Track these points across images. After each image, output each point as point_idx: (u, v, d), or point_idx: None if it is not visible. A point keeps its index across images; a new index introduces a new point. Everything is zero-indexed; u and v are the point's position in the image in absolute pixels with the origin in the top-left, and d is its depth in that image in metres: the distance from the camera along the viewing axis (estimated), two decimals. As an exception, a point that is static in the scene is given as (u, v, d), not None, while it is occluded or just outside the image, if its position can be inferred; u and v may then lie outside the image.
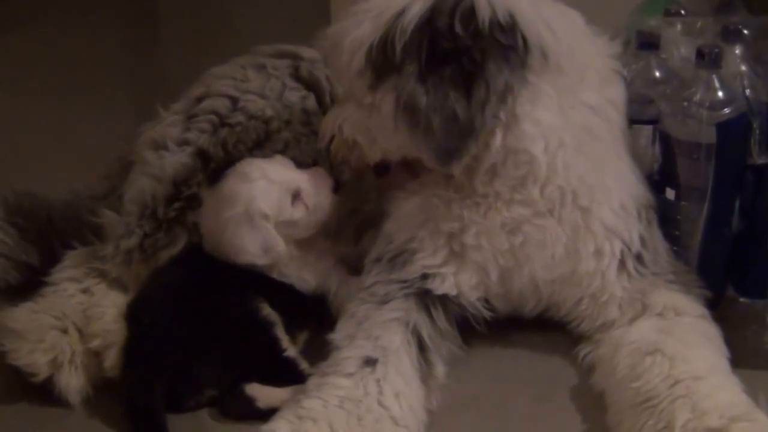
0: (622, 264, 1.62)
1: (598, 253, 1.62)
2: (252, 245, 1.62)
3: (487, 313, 1.68)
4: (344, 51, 1.57)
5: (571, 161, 1.59)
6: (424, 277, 1.64)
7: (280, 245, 1.63)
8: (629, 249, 1.62)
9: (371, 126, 1.60)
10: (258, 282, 1.65)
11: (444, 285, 1.64)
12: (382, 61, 1.52)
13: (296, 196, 1.67)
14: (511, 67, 1.50)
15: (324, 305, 1.71)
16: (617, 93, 1.67)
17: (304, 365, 1.59)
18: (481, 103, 1.49)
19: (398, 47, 1.50)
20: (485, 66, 1.48)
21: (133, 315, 1.60)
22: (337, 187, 1.71)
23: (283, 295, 1.66)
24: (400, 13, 1.51)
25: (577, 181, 1.60)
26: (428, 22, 1.50)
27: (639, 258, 1.63)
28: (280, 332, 1.60)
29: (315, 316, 1.70)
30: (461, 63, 1.48)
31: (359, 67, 1.55)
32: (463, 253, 1.64)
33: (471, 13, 1.49)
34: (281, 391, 1.55)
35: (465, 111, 1.48)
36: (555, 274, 1.64)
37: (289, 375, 1.57)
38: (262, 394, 1.55)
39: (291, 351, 1.60)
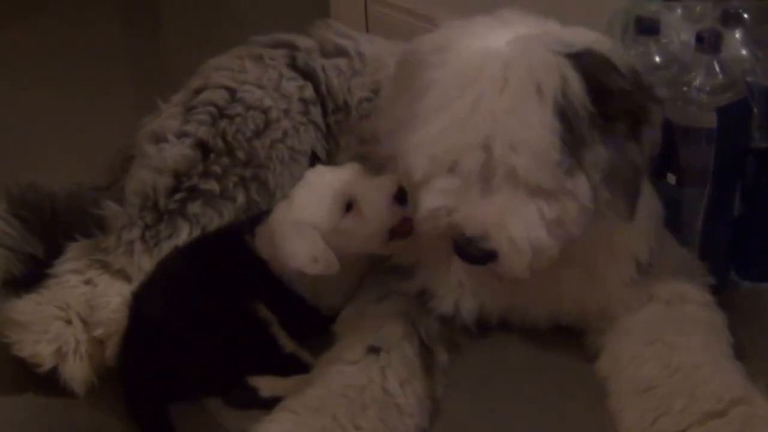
0: (629, 274, 1.61)
1: (610, 280, 1.61)
2: (300, 253, 1.57)
3: (479, 332, 1.68)
4: (522, 149, 1.37)
5: None
6: (423, 292, 1.64)
7: (330, 257, 1.56)
8: (640, 263, 1.61)
9: (557, 217, 1.42)
10: (260, 284, 1.62)
11: (442, 305, 1.64)
12: (572, 142, 1.38)
13: (351, 204, 1.60)
14: (663, 103, 1.48)
15: (328, 320, 1.66)
16: None
17: (306, 357, 1.59)
18: (651, 145, 1.46)
19: (584, 123, 1.39)
20: (650, 110, 1.45)
21: (134, 306, 1.61)
22: (404, 197, 1.57)
23: (285, 300, 1.63)
24: (563, 88, 1.38)
25: None
26: (592, 87, 1.40)
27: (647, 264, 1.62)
28: (277, 330, 1.58)
29: (314, 326, 1.66)
30: (631, 115, 1.43)
31: (556, 156, 1.37)
32: (473, 295, 1.63)
33: (615, 67, 1.42)
34: (285, 380, 1.55)
35: (641, 157, 1.44)
36: (560, 310, 1.64)
37: (291, 370, 1.57)
38: (265, 383, 1.56)
39: (290, 346, 1.59)
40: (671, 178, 1.69)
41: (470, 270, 1.55)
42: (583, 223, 1.43)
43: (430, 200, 1.45)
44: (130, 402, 1.52)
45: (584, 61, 1.40)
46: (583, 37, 1.46)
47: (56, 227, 1.81)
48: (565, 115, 1.37)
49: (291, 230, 1.58)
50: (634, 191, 1.46)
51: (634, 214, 1.47)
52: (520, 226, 1.40)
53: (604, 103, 1.40)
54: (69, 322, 1.62)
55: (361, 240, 1.60)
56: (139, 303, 1.60)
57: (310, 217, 1.58)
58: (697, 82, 1.63)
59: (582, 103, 1.38)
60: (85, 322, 1.64)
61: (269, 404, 1.50)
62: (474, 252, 1.43)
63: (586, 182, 1.40)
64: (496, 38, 1.43)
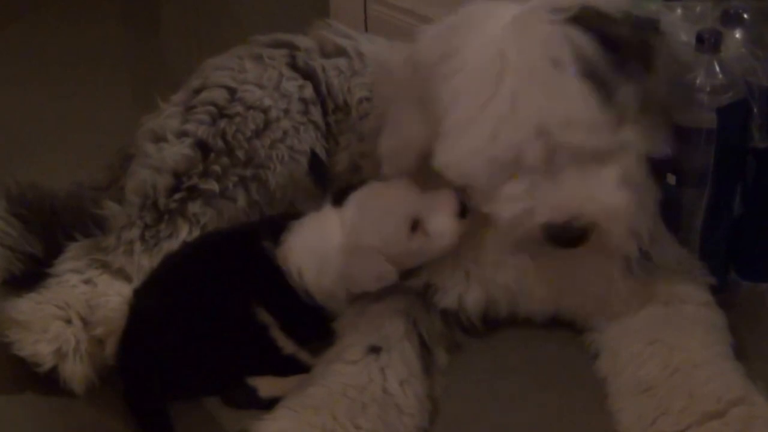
0: (628, 264, 1.61)
1: (614, 261, 1.61)
2: (367, 277, 1.55)
3: (483, 328, 1.68)
4: (572, 123, 1.39)
5: None
6: (427, 286, 1.64)
7: (392, 274, 1.55)
8: (640, 250, 1.61)
9: (623, 174, 1.45)
10: (265, 289, 1.60)
11: (446, 300, 1.64)
12: (606, 95, 1.41)
13: (415, 224, 1.57)
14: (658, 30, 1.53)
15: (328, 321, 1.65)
16: None
17: (305, 358, 1.58)
18: (665, 70, 1.50)
19: (607, 74, 1.41)
20: (653, 42, 1.49)
21: (135, 302, 1.60)
22: (464, 211, 1.56)
23: (291, 308, 1.60)
24: (576, 52, 1.40)
25: None
26: (600, 42, 1.42)
27: (645, 254, 1.62)
28: (276, 332, 1.57)
29: (318, 331, 1.64)
30: (640, 52, 1.46)
31: (601, 115, 1.40)
32: (480, 284, 1.63)
33: (612, 18, 1.46)
34: (284, 380, 1.55)
35: (661, 84, 1.49)
36: (566, 290, 1.64)
37: (290, 371, 1.56)
38: (264, 383, 1.55)
39: (289, 348, 1.58)
40: (671, 178, 1.68)
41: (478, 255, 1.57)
42: (643, 171, 1.47)
43: (506, 211, 1.46)
44: (129, 399, 1.52)
45: (584, 21, 1.43)
46: None
47: (56, 227, 1.81)
48: (588, 74, 1.40)
49: (354, 255, 1.55)
50: (668, 118, 1.50)
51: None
52: (608, 193, 1.43)
53: (614, 51, 1.43)
54: (69, 321, 1.62)
55: (429, 255, 1.59)
56: (140, 299, 1.60)
57: (377, 244, 1.55)
58: (697, 82, 1.62)
59: (597, 58, 1.41)
60: (84, 321, 1.64)
61: (268, 404, 1.50)
62: (572, 234, 1.45)
63: (631, 128, 1.43)
64: (495, 27, 1.45)
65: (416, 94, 1.50)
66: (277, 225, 1.63)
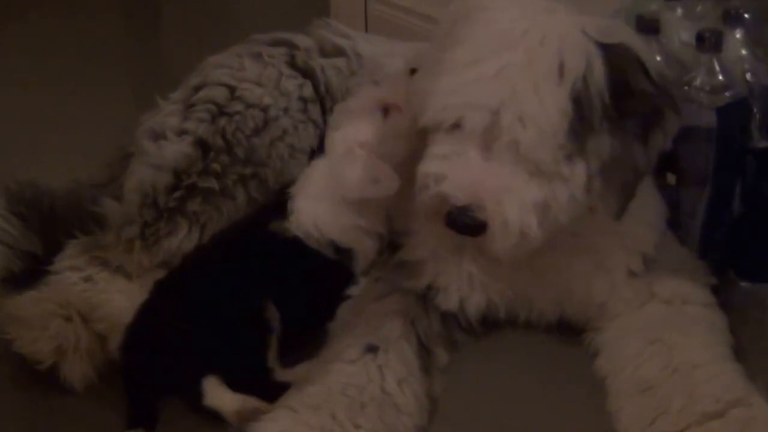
0: (631, 270, 1.62)
1: (617, 270, 1.61)
2: (357, 178, 1.54)
3: (481, 329, 1.68)
4: (530, 125, 1.39)
5: None
6: (429, 287, 1.64)
7: (388, 172, 1.55)
8: (646, 257, 1.62)
9: (545, 201, 1.43)
10: (273, 285, 1.58)
11: (448, 301, 1.64)
12: (580, 128, 1.41)
13: (386, 108, 1.60)
14: (678, 111, 1.49)
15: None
16: None
17: (285, 377, 1.54)
18: (657, 150, 1.47)
19: (596, 113, 1.41)
20: (667, 117, 1.46)
21: (153, 291, 1.60)
22: None
23: (296, 300, 1.60)
24: (586, 75, 1.40)
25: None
26: (615, 80, 1.42)
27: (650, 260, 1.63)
28: (272, 341, 1.55)
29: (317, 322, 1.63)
30: (645, 115, 1.45)
31: (560, 140, 1.40)
32: (481, 287, 1.63)
33: (644, 69, 1.45)
34: (234, 396, 1.49)
35: (644, 159, 1.46)
36: (567, 300, 1.64)
37: (258, 383, 1.52)
38: (213, 391, 1.50)
39: (272, 362, 1.54)
40: (671, 178, 1.69)
41: (479, 257, 1.56)
42: (571, 214, 1.45)
43: (425, 165, 1.47)
44: (128, 389, 1.51)
45: (615, 54, 1.43)
46: (624, 34, 1.48)
47: (55, 224, 1.81)
48: (579, 101, 1.40)
49: (342, 163, 1.56)
50: (629, 192, 1.47)
51: (623, 214, 1.48)
52: (515, 207, 1.42)
53: (622, 99, 1.42)
54: (69, 319, 1.62)
55: (410, 134, 1.57)
56: (155, 294, 1.59)
57: (358, 137, 1.57)
58: (697, 81, 1.63)
59: (599, 93, 1.41)
60: (84, 318, 1.64)
61: (208, 413, 1.48)
62: (467, 221, 1.44)
63: (583, 170, 1.42)
64: (541, 12, 1.46)
65: (451, 25, 1.51)
66: (277, 202, 1.65)
